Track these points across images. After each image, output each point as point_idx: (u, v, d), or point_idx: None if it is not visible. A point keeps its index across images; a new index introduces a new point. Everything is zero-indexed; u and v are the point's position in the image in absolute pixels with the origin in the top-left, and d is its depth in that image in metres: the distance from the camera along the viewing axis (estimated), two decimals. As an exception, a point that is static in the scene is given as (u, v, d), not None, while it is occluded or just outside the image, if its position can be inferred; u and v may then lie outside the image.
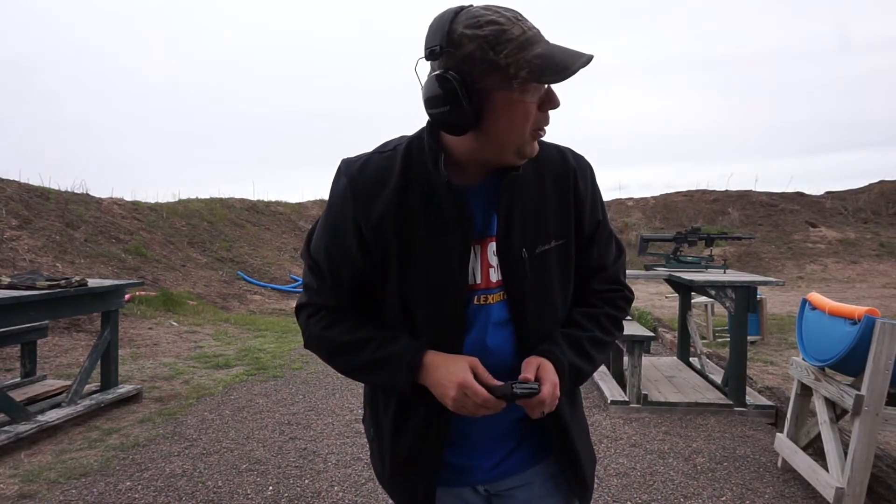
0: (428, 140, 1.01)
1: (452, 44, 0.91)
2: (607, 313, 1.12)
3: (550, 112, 0.98)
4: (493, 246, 1.04)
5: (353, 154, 1.08)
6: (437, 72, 0.93)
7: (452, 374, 0.96)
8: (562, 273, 1.08)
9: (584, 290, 1.14)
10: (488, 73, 0.91)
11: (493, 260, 1.04)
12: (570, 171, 1.08)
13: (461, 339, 1.03)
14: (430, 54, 0.93)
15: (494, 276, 1.04)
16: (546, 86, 0.95)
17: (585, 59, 0.91)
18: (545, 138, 1.08)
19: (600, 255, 1.13)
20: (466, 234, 1.01)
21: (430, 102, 0.94)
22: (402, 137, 1.07)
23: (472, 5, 0.95)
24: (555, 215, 1.06)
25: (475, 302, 1.04)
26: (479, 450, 1.10)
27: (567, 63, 0.90)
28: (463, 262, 1.01)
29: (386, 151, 1.05)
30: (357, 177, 1.03)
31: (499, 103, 0.93)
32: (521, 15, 0.94)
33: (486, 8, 0.93)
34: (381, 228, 1.01)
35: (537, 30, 0.94)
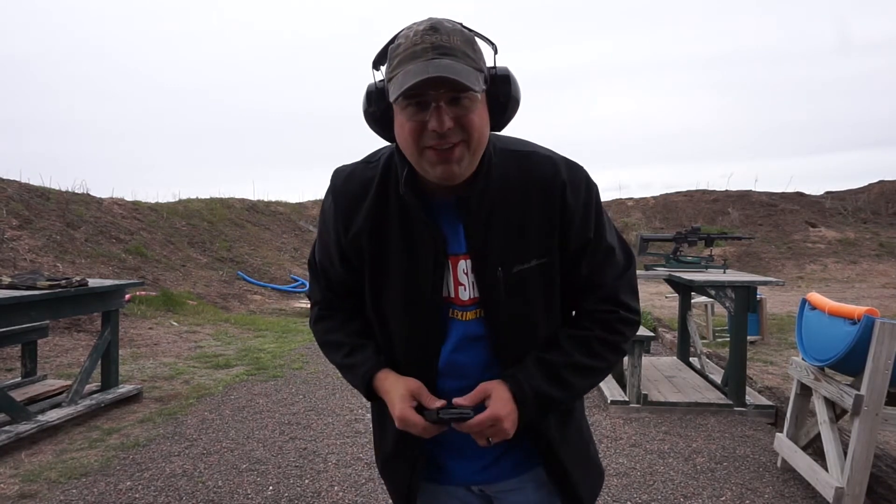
0: (396, 155, 1.01)
1: (386, 58, 0.95)
2: (598, 336, 1.04)
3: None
4: (463, 264, 1.02)
5: (350, 158, 1.11)
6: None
7: (393, 406, 1.01)
8: (544, 292, 1.04)
9: (577, 310, 1.10)
10: (389, 87, 0.93)
11: (464, 278, 1.03)
12: (558, 185, 1.00)
13: (437, 351, 1.04)
14: (372, 66, 0.98)
15: (465, 294, 1.03)
16: (419, 104, 0.89)
17: (426, 79, 0.85)
18: (544, 144, 1.08)
19: (591, 273, 1.05)
20: (439, 247, 1.01)
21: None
22: (389, 147, 1.07)
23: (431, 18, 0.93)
24: (537, 232, 1.01)
25: (449, 315, 1.04)
26: (464, 452, 1.10)
27: (409, 80, 0.86)
28: (437, 274, 1.01)
29: (372, 162, 1.07)
30: (340, 190, 1.07)
31: (396, 116, 0.95)
32: (434, 28, 0.90)
33: (422, 21, 0.93)
34: (357, 240, 1.04)
35: (439, 42, 0.88)
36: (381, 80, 0.96)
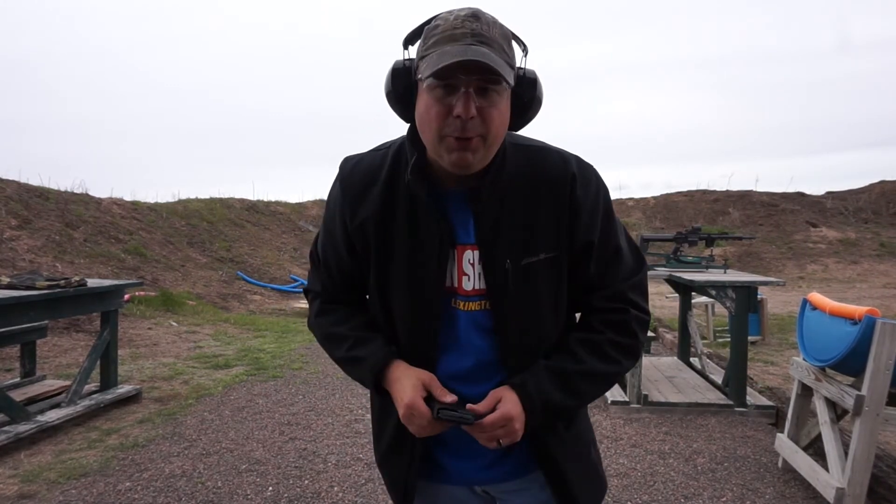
0: (407, 141, 1.01)
1: (420, 37, 0.95)
2: (610, 339, 1.02)
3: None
4: (469, 255, 1.02)
5: (351, 154, 1.11)
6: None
7: (403, 393, 0.99)
8: (552, 286, 1.03)
9: (585, 307, 1.08)
10: (420, 65, 0.92)
11: (469, 269, 1.02)
12: (568, 179, 1.00)
13: (436, 340, 1.03)
14: (403, 44, 0.97)
15: (469, 284, 1.02)
16: (448, 87, 0.88)
17: (461, 61, 0.84)
18: (544, 141, 1.07)
19: (598, 272, 1.04)
20: (445, 236, 1.00)
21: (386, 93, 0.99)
22: (400, 137, 1.08)
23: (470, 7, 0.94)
24: (546, 226, 1.00)
25: (452, 304, 1.03)
26: (464, 452, 1.09)
27: (444, 60, 0.85)
28: (441, 263, 1.01)
29: (381, 150, 1.08)
30: (348, 176, 1.07)
31: (420, 96, 0.94)
32: (475, 15, 0.90)
33: (463, 8, 0.93)
34: (363, 227, 1.04)
35: (478, 30, 0.88)
36: (409, 59, 0.96)
